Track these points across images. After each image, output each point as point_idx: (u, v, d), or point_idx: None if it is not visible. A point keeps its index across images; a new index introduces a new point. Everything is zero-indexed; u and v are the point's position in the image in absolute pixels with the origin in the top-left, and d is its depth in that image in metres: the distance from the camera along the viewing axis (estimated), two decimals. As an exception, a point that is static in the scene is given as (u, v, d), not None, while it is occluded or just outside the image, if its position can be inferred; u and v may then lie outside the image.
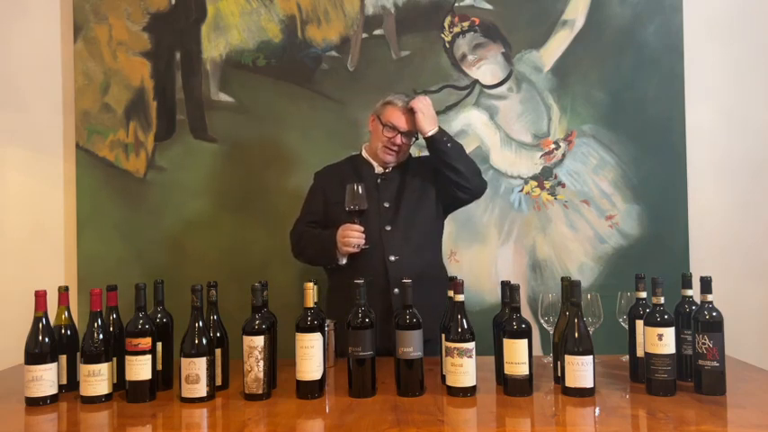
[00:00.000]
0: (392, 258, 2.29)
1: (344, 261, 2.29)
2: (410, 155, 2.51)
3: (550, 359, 1.99)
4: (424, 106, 2.28)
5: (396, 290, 2.26)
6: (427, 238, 2.41)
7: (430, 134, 2.28)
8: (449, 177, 2.33)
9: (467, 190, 2.36)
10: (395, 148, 2.34)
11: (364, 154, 2.46)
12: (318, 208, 2.43)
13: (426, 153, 2.69)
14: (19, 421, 1.63)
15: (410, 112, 2.31)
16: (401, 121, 2.32)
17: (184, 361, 1.71)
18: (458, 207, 2.50)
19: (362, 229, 2.21)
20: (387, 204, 2.36)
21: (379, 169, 2.42)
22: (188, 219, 2.92)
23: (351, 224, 2.21)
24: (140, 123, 2.95)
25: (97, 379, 1.73)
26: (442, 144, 2.28)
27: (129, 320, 1.76)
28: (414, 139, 2.37)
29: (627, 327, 1.92)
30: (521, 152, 2.91)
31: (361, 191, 2.19)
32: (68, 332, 1.87)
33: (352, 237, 2.20)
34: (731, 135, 2.91)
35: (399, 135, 2.32)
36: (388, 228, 2.32)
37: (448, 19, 2.93)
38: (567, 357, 1.69)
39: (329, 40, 2.94)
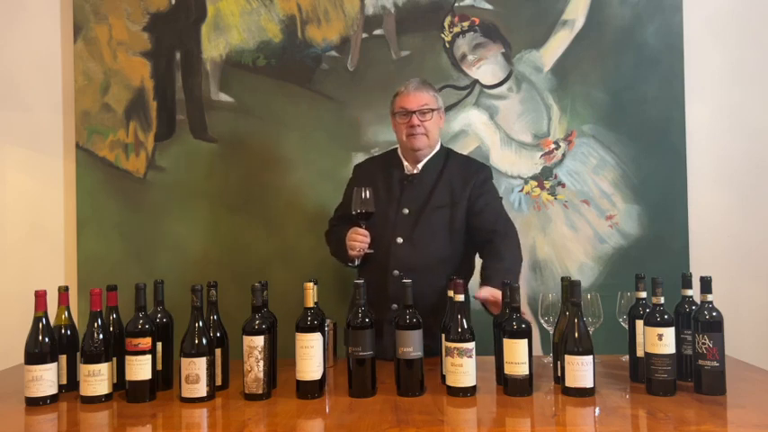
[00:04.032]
0: (396, 273, 2.20)
1: (357, 263, 2.23)
2: (451, 151, 2.40)
3: (550, 359, 1.99)
4: (493, 301, 2.00)
5: (394, 305, 2.18)
6: (446, 261, 2.22)
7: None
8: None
9: None
10: (416, 131, 2.22)
11: (399, 151, 2.37)
12: (348, 201, 2.33)
13: (466, 152, 2.72)
14: (19, 421, 1.63)
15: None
16: (409, 102, 2.23)
17: (184, 361, 1.71)
18: None
19: (367, 233, 2.16)
20: (406, 211, 2.25)
21: (408, 169, 2.31)
22: (188, 219, 2.92)
23: (357, 228, 2.17)
24: (140, 123, 2.95)
25: (97, 379, 1.73)
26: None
27: (129, 320, 1.76)
28: (432, 112, 2.24)
29: (627, 327, 1.92)
30: (521, 152, 2.91)
31: (367, 195, 2.13)
32: (68, 332, 1.87)
33: (356, 241, 2.16)
34: (731, 135, 2.91)
35: (413, 115, 2.22)
36: (400, 240, 2.22)
37: (448, 19, 2.93)
38: (567, 357, 1.69)
39: (329, 40, 2.94)
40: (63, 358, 1.83)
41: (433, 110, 2.25)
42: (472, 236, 2.26)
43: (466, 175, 2.28)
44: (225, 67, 2.94)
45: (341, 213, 2.41)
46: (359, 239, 2.16)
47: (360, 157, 2.70)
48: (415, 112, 2.22)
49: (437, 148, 2.34)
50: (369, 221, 2.16)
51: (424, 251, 2.22)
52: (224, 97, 2.94)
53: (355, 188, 2.16)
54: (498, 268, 2.11)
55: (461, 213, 2.25)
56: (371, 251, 2.18)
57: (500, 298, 1.92)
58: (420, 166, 2.30)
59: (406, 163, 2.32)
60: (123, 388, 1.77)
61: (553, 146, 2.91)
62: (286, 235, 2.85)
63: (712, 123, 2.91)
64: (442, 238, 2.24)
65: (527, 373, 1.70)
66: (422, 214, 2.24)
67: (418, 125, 2.22)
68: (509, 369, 1.71)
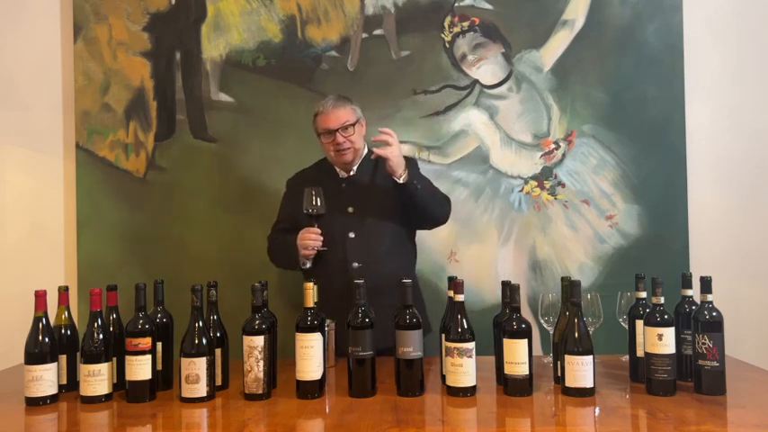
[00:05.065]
0: (355, 265, 2.29)
1: (309, 265, 2.30)
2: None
3: (550, 359, 1.99)
4: (392, 154, 2.18)
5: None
6: (395, 246, 2.38)
7: (402, 181, 2.21)
8: (415, 215, 2.34)
9: (432, 225, 2.45)
10: (342, 147, 2.31)
11: (329, 160, 2.44)
12: (288, 215, 2.44)
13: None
14: (19, 421, 1.63)
15: (342, 125, 2.28)
16: (330, 122, 2.30)
17: (184, 361, 1.71)
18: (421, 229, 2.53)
19: (320, 231, 2.23)
20: (351, 209, 2.35)
21: (343, 174, 2.40)
22: (188, 219, 2.92)
23: (309, 227, 2.24)
24: (140, 123, 2.95)
25: (97, 379, 1.73)
26: (411, 187, 2.22)
27: (129, 320, 1.76)
28: (353, 126, 2.31)
29: (627, 327, 1.92)
30: (521, 152, 2.91)
31: (317, 195, 2.20)
32: (68, 332, 1.87)
33: (309, 239, 2.23)
34: (731, 135, 2.91)
35: (336, 134, 2.29)
36: (352, 235, 2.32)
37: (448, 19, 2.92)
38: (567, 357, 1.69)
39: (329, 40, 2.94)
40: (63, 358, 1.83)
41: (353, 124, 2.33)
42: (408, 215, 2.36)
43: None
44: (225, 67, 2.94)
45: (280, 227, 2.47)
46: (312, 238, 2.23)
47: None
48: (337, 130, 2.29)
49: (364, 151, 2.42)
50: (320, 221, 2.23)
51: (377, 241, 2.32)
52: (224, 97, 2.94)
53: (305, 189, 2.22)
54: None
55: (399, 203, 2.32)
56: (325, 249, 2.25)
57: (392, 140, 2.18)
58: (354, 168, 2.40)
59: (338, 170, 2.41)
60: (123, 388, 1.77)
61: (553, 146, 2.91)
62: (286, 235, 2.85)
63: (712, 123, 2.91)
64: (389, 227, 2.36)
65: (527, 373, 1.70)
66: (366, 210, 2.34)
67: (344, 141, 2.30)
68: (509, 369, 1.71)
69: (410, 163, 2.34)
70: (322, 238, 2.24)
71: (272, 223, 2.54)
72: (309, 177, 2.43)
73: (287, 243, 2.33)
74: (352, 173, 2.40)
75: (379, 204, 2.35)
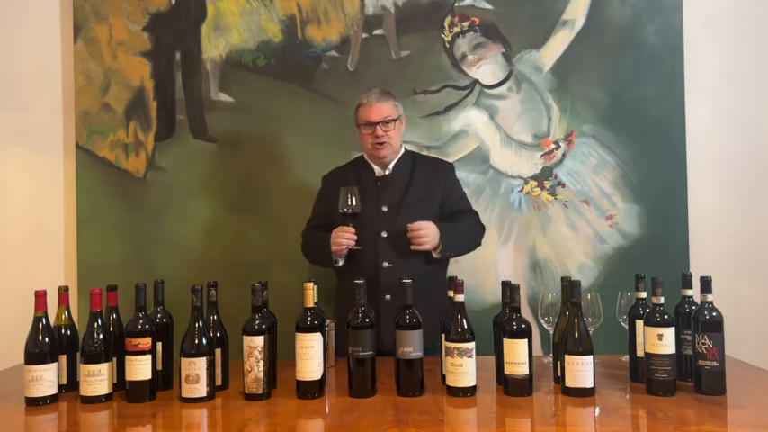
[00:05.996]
0: (386, 265, 2.30)
1: (341, 262, 2.32)
2: (415, 153, 2.52)
3: (550, 359, 1.99)
4: (429, 245, 2.26)
5: (387, 296, 2.27)
6: None
7: (437, 255, 2.30)
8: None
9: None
10: (379, 141, 2.33)
11: (365, 157, 2.46)
12: (323, 211, 2.45)
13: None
14: (19, 421, 1.63)
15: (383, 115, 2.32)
16: (372, 114, 2.33)
17: (184, 361, 1.71)
18: None
19: (353, 231, 2.24)
20: (385, 209, 2.36)
21: (379, 172, 2.42)
22: (188, 219, 2.92)
23: (343, 226, 2.25)
24: (140, 123, 2.95)
25: (97, 379, 1.73)
26: (446, 257, 2.34)
27: (129, 320, 1.76)
28: (394, 122, 2.35)
29: (627, 327, 1.92)
30: (521, 152, 2.91)
31: (353, 195, 2.22)
32: (68, 332, 1.87)
33: (342, 238, 2.24)
34: (731, 135, 2.91)
35: (376, 127, 2.32)
36: (384, 234, 2.33)
37: (448, 19, 2.93)
38: (567, 357, 1.69)
39: (329, 40, 2.94)
40: (63, 358, 1.83)
41: (394, 120, 2.36)
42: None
43: (436, 174, 2.44)
44: (225, 67, 2.94)
45: (314, 224, 2.49)
46: (346, 236, 2.24)
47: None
48: (378, 123, 2.32)
49: (401, 150, 2.45)
50: (355, 220, 2.24)
51: (408, 242, 2.31)
52: (224, 97, 2.94)
53: (341, 189, 2.23)
54: (448, 226, 2.32)
55: (435, 207, 2.39)
56: (359, 248, 2.26)
57: (421, 233, 2.23)
58: (391, 167, 2.41)
59: (375, 167, 2.42)
60: (123, 388, 1.77)
61: (553, 146, 2.91)
62: (286, 235, 2.84)
63: (712, 123, 2.91)
64: None
65: (527, 373, 1.70)
66: (400, 210, 2.34)
67: (382, 135, 2.34)
68: (509, 369, 1.71)
69: (445, 167, 2.46)
70: (356, 238, 2.25)
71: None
72: (345, 175, 2.45)
73: (321, 241, 2.34)
74: (387, 171, 2.41)
75: (415, 206, 2.34)
